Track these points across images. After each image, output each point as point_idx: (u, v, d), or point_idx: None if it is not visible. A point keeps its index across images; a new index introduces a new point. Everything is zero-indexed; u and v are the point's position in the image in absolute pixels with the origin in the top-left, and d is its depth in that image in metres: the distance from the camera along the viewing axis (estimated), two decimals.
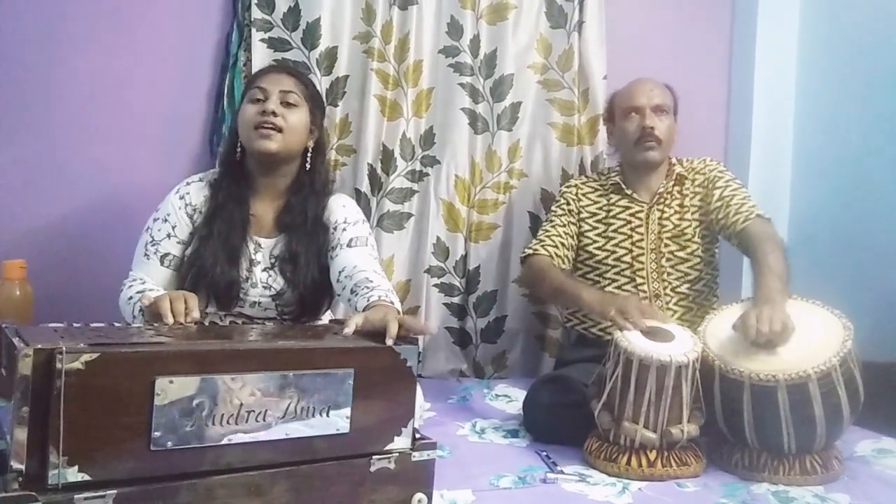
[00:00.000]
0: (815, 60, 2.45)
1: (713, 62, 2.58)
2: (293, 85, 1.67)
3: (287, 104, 1.64)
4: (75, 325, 1.19)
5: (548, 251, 1.99)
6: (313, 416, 1.15)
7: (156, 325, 1.31)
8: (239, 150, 1.68)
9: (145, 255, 1.62)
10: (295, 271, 1.64)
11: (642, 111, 1.94)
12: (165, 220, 1.63)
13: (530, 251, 2.02)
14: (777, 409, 1.48)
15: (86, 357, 0.96)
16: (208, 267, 1.58)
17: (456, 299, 2.37)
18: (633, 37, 2.49)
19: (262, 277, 1.64)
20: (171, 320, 1.30)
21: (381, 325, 1.26)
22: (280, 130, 1.61)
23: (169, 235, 1.63)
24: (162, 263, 1.61)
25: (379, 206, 2.30)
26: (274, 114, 1.61)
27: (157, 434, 1.02)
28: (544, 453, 1.62)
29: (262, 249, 1.67)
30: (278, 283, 1.65)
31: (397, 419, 1.24)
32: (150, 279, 1.59)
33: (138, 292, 1.52)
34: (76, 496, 0.96)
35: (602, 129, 2.36)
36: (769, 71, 2.49)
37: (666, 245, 1.96)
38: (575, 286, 1.86)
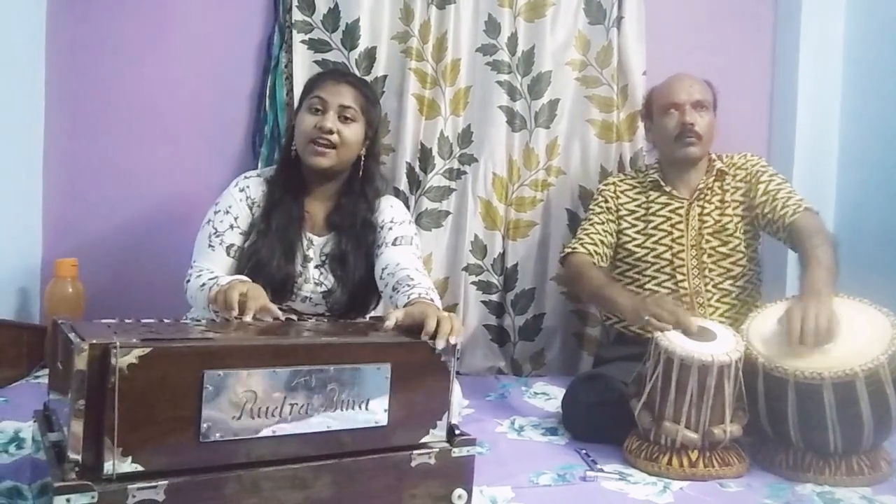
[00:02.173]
0: (861, 52, 2.39)
1: (756, 56, 2.53)
2: (352, 99, 1.68)
3: (344, 118, 1.67)
4: (127, 320, 1.23)
5: (587, 249, 1.98)
6: (353, 409, 1.18)
7: (222, 316, 1.35)
8: (294, 148, 1.71)
9: (209, 245, 1.64)
10: (344, 270, 1.68)
11: (682, 107, 1.92)
12: (227, 212, 1.67)
13: (569, 249, 2.01)
14: (823, 407, 1.45)
15: (139, 352, 1.00)
16: (266, 260, 1.62)
17: (494, 297, 2.38)
18: (674, 32, 2.46)
19: (314, 274, 1.69)
20: (236, 312, 1.33)
21: (421, 319, 1.28)
22: (335, 147, 1.65)
23: (232, 226, 1.66)
24: (228, 254, 1.65)
25: (417, 204, 2.32)
26: (330, 131, 1.64)
27: (205, 427, 1.05)
28: (584, 451, 1.62)
29: (314, 246, 1.71)
30: (329, 280, 1.69)
31: (433, 412, 1.26)
32: (216, 269, 1.61)
33: (210, 279, 1.53)
34: (129, 486, 0.99)
35: (641, 126, 2.34)
36: (814, 64, 2.43)
37: (707, 241, 1.93)
38: (612, 291, 1.83)
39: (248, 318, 1.33)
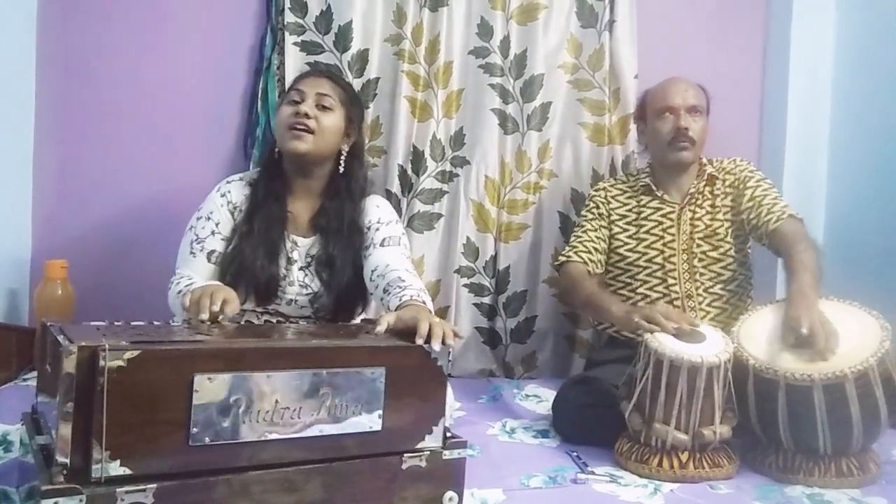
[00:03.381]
0: (851, 58, 2.41)
1: (747, 60, 2.55)
2: (330, 88, 1.70)
3: (322, 107, 1.67)
4: (116, 323, 1.22)
5: (581, 258, 1.99)
6: (346, 413, 1.17)
7: (191, 321, 1.34)
8: (277, 150, 1.71)
9: (191, 252, 1.64)
10: (331, 275, 1.67)
11: (677, 112, 1.93)
12: (209, 218, 1.67)
13: (564, 258, 2.02)
14: (812, 409, 1.46)
15: (128, 354, 0.99)
16: (248, 262, 1.62)
17: (486, 299, 2.38)
18: (665, 35, 2.47)
19: (298, 276, 1.68)
20: (203, 315, 1.32)
21: (413, 323, 1.27)
22: (312, 132, 1.64)
23: (213, 232, 1.66)
24: (209, 260, 1.64)
25: (409, 206, 2.32)
26: (307, 115, 1.64)
27: (195, 430, 1.04)
28: (575, 454, 1.62)
29: (298, 248, 1.70)
30: (315, 283, 1.68)
31: (428, 418, 1.25)
32: (196, 276, 1.61)
33: (186, 285, 1.54)
34: (118, 489, 0.99)
35: (633, 129, 2.35)
36: (804, 69, 2.45)
37: (698, 245, 1.94)
38: (604, 300, 1.84)
39: (203, 316, 1.32)
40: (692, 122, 1.92)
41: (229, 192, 1.70)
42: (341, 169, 1.72)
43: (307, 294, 1.68)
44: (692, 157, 1.95)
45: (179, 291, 1.53)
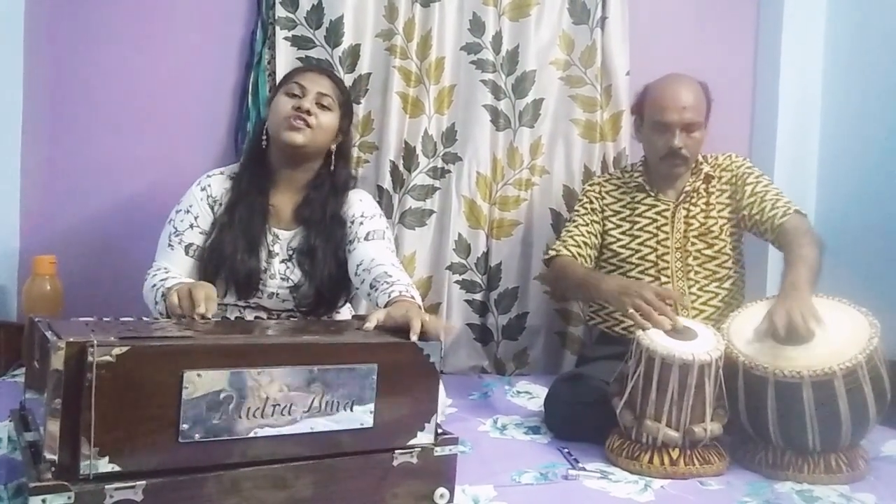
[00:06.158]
0: (842, 55, 2.42)
1: (738, 57, 2.55)
2: (330, 88, 1.71)
3: (321, 105, 1.68)
4: (105, 319, 1.21)
5: (570, 251, 1.98)
6: (338, 410, 1.17)
7: (172, 318, 1.35)
8: (265, 139, 1.70)
9: (169, 245, 1.65)
10: (312, 265, 1.67)
11: (672, 129, 1.88)
12: (188, 212, 1.67)
13: (553, 252, 2.01)
14: (802, 406, 1.47)
15: (116, 350, 0.99)
16: (228, 255, 1.61)
17: (477, 296, 2.38)
18: (657, 32, 2.47)
19: (279, 269, 1.67)
20: (178, 313, 1.33)
21: (404, 321, 1.27)
22: (310, 127, 1.65)
23: (192, 226, 1.66)
24: (186, 253, 1.64)
25: (401, 202, 2.32)
26: (308, 112, 1.64)
27: (185, 426, 1.04)
28: (566, 450, 1.62)
29: (280, 241, 1.69)
30: (296, 275, 1.67)
31: (421, 414, 1.25)
32: (174, 268, 1.62)
33: (161, 280, 1.55)
34: (107, 486, 0.99)
35: (625, 126, 2.35)
36: (795, 67, 2.45)
37: (693, 244, 1.94)
38: (595, 277, 1.85)
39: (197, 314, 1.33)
40: (687, 139, 1.89)
41: (209, 186, 1.70)
42: (331, 167, 1.73)
43: (288, 286, 1.67)
44: (685, 170, 1.95)
45: (154, 286, 1.54)
